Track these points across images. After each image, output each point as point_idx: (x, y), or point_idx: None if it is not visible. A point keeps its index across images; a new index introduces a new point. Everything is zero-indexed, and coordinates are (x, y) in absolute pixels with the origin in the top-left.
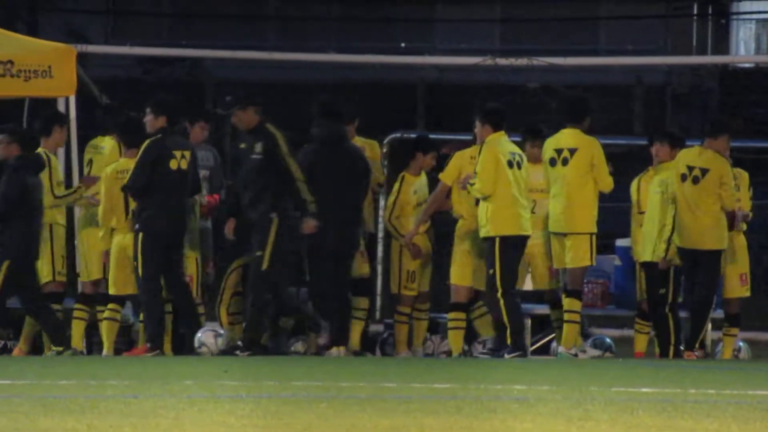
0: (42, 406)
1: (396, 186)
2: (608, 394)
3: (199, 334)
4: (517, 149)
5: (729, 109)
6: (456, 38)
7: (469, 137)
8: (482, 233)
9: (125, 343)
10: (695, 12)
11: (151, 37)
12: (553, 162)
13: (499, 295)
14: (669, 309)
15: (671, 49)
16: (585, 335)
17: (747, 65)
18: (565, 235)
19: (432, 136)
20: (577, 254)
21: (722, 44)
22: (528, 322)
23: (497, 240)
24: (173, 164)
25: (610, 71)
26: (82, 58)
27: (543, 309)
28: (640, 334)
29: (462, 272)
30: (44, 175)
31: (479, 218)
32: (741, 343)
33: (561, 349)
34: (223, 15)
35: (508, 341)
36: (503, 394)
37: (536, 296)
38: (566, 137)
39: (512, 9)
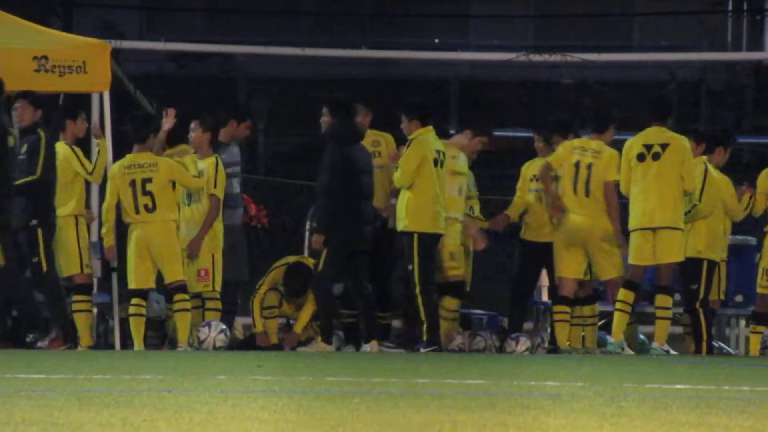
0: (77, 400)
1: None
2: (642, 390)
3: (205, 327)
4: (442, 147)
5: (764, 105)
6: (490, 34)
7: (503, 133)
8: (399, 227)
9: (159, 337)
10: (730, 8)
11: (185, 32)
12: (641, 157)
13: (417, 291)
14: (700, 305)
15: (706, 45)
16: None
17: None
18: (655, 230)
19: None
20: (670, 250)
21: (757, 40)
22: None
23: (415, 236)
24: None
25: (644, 67)
26: (117, 54)
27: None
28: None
29: (569, 265)
30: (75, 166)
31: (398, 210)
32: None
33: (654, 344)
34: (256, 11)
35: (425, 337)
36: (536, 390)
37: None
38: (654, 134)
39: (546, 5)
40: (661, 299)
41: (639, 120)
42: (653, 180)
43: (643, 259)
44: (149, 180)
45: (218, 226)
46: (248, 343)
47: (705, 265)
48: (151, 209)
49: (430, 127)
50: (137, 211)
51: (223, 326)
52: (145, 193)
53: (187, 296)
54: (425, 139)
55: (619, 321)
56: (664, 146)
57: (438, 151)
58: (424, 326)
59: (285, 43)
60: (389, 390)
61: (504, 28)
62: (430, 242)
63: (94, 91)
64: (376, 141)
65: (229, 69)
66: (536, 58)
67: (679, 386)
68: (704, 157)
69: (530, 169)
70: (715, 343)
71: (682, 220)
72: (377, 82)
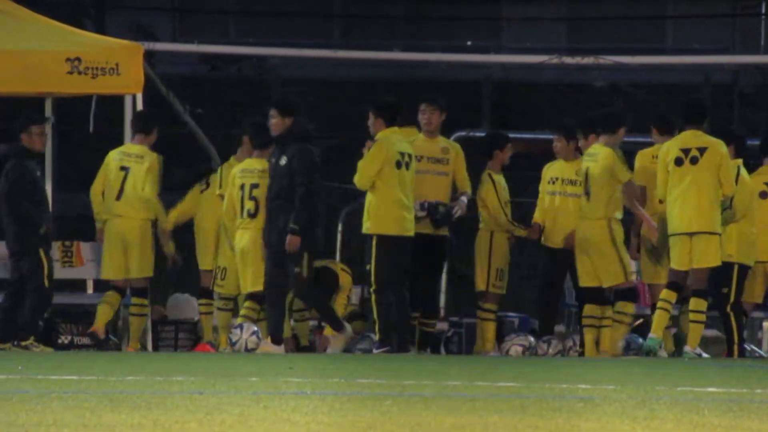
0: (108, 401)
1: (490, 185)
2: (674, 393)
3: (237, 329)
4: (408, 149)
5: None
6: (522, 36)
7: (535, 136)
8: (363, 228)
9: (191, 339)
10: (763, 11)
11: (218, 35)
12: (679, 162)
13: (372, 290)
14: (731, 308)
15: (738, 47)
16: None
17: None
18: (692, 235)
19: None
20: (707, 254)
21: None
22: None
23: (375, 238)
24: None
25: (677, 70)
26: (149, 56)
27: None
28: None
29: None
30: (147, 172)
31: (365, 212)
32: None
33: (687, 348)
34: (289, 13)
35: (377, 337)
36: (568, 393)
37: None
38: (691, 138)
39: (579, 7)
40: (696, 303)
41: (670, 123)
42: (691, 184)
43: (683, 265)
44: (256, 186)
45: None
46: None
47: (736, 268)
48: (252, 215)
49: (395, 128)
50: (241, 215)
51: (255, 328)
52: (251, 198)
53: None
54: (388, 140)
55: (660, 318)
56: (702, 150)
57: (402, 153)
58: (377, 326)
59: (318, 45)
60: (421, 392)
61: (536, 30)
62: (392, 244)
63: (127, 93)
64: (445, 149)
65: (262, 71)
66: (569, 60)
67: (711, 389)
68: (739, 160)
69: (550, 171)
70: (747, 346)
71: (720, 225)
72: (409, 84)
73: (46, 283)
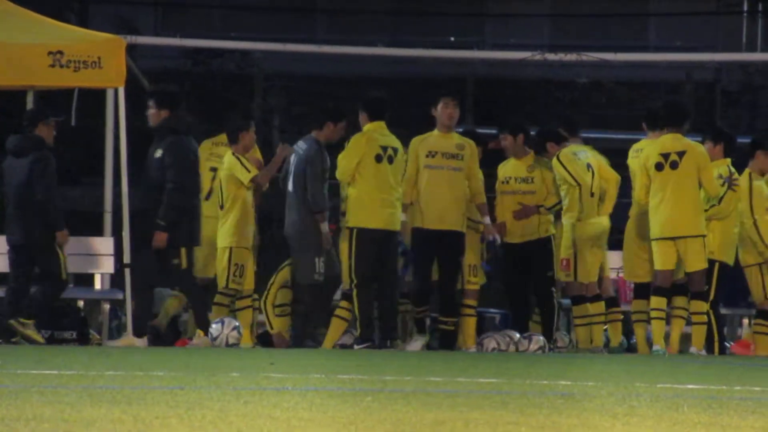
0: (88, 396)
1: None
2: (654, 390)
3: (218, 324)
4: (394, 143)
5: None
6: (506, 33)
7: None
8: (343, 222)
9: (172, 334)
10: (745, 9)
11: (201, 29)
12: (660, 167)
13: (352, 286)
14: (711, 306)
15: (721, 45)
16: (632, 332)
17: None
18: (676, 239)
19: (480, 130)
20: (697, 258)
21: None
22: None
23: (354, 231)
24: None
25: (660, 67)
26: (132, 50)
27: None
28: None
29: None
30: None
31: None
32: None
33: (692, 349)
34: (272, 7)
35: (359, 333)
36: (549, 389)
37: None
38: (670, 141)
39: (562, 4)
40: (696, 305)
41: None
42: (673, 189)
43: (667, 264)
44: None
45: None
46: (261, 340)
47: (717, 267)
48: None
49: (381, 123)
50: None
51: (237, 323)
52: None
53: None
54: (367, 134)
55: (657, 328)
56: (681, 154)
57: (385, 147)
58: (358, 322)
59: (301, 40)
60: (402, 388)
61: (520, 27)
62: (370, 238)
63: (109, 86)
64: (460, 145)
65: (245, 65)
66: (552, 57)
67: (690, 386)
68: (728, 160)
69: (502, 170)
70: (727, 344)
71: (704, 226)
72: (393, 80)
73: (64, 275)
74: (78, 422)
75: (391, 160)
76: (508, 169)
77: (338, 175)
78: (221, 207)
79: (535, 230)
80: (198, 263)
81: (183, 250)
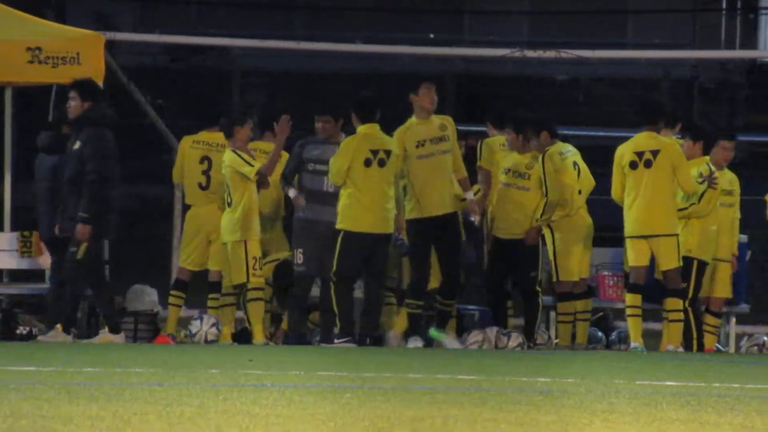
0: (66, 393)
1: None
2: (632, 387)
3: (197, 321)
4: (386, 145)
5: (756, 103)
6: (485, 30)
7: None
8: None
9: (150, 331)
10: (724, 6)
11: (179, 25)
12: (634, 165)
13: (332, 282)
14: (689, 304)
15: (699, 43)
16: (611, 329)
17: None
18: (649, 237)
19: (460, 127)
20: (671, 256)
21: (750, 39)
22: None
23: (342, 233)
24: None
25: (638, 64)
26: (111, 46)
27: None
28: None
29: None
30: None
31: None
32: (765, 338)
33: (669, 347)
34: (251, 4)
35: (338, 328)
36: (528, 386)
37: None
38: (645, 140)
39: (541, 1)
40: (672, 303)
41: (629, 116)
42: (646, 188)
43: (640, 260)
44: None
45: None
46: (240, 336)
47: (695, 264)
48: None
49: (373, 124)
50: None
51: (215, 320)
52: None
53: None
54: (356, 138)
55: (635, 325)
56: (655, 153)
57: (376, 150)
58: (337, 318)
59: (280, 36)
60: (381, 385)
61: (499, 23)
62: (355, 241)
63: None
64: (442, 125)
65: (224, 62)
66: (531, 54)
67: (669, 383)
68: (706, 158)
69: (505, 161)
70: (704, 342)
71: (677, 224)
72: (372, 76)
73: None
74: (56, 419)
75: (382, 163)
76: (508, 161)
77: (330, 177)
78: (229, 204)
79: (525, 229)
80: (195, 255)
81: (84, 243)
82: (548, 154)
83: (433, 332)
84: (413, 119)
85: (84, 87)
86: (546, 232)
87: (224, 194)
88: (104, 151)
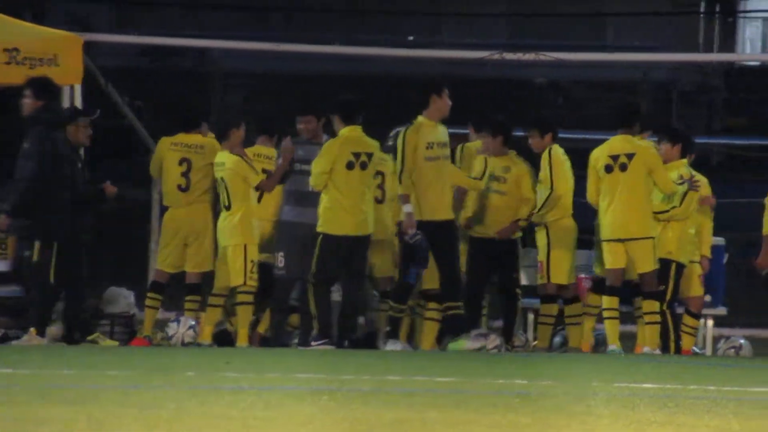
0: (42, 396)
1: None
2: (610, 389)
3: (174, 323)
4: (368, 147)
5: (734, 106)
6: (463, 32)
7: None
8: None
9: (127, 333)
10: (702, 9)
11: (158, 27)
12: (609, 168)
13: (309, 284)
14: (667, 306)
15: (678, 46)
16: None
17: (753, 63)
18: (624, 241)
19: None
20: (646, 259)
21: (729, 42)
22: (530, 316)
23: (321, 236)
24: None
25: (617, 67)
26: (89, 47)
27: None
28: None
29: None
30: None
31: None
32: (742, 340)
33: (646, 349)
34: (230, 5)
35: (316, 330)
36: (505, 388)
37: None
38: (620, 143)
39: (520, 4)
40: (649, 305)
41: (608, 119)
42: (622, 192)
43: (617, 263)
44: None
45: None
46: (219, 338)
47: (674, 266)
48: (380, 199)
49: (355, 126)
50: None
51: (193, 322)
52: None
53: None
54: (338, 140)
55: (612, 327)
56: (630, 156)
57: (358, 153)
58: (315, 320)
59: (259, 38)
60: (359, 387)
61: (478, 26)
62: (335, 244)
63: (65, 84)
64: (445, 131)
65: (202, 63)
66: (510, 56)
67: (646, 385)
68: (684, 160)
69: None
70: (681, 343)
71: (653, 227)
72: (351, 78)
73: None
74: (31, 422)
75: (364, 166)
76: (488, 164)
77: (311, 182)
78: (227, 207)
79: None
80: (172, 257)
81: (37, 244)
82: (554, 149)
83: (452, 345)
84: (423, 120)
85: (38, 85)
86: (539, 233)
87: (222, 197)
88: (49, 150)
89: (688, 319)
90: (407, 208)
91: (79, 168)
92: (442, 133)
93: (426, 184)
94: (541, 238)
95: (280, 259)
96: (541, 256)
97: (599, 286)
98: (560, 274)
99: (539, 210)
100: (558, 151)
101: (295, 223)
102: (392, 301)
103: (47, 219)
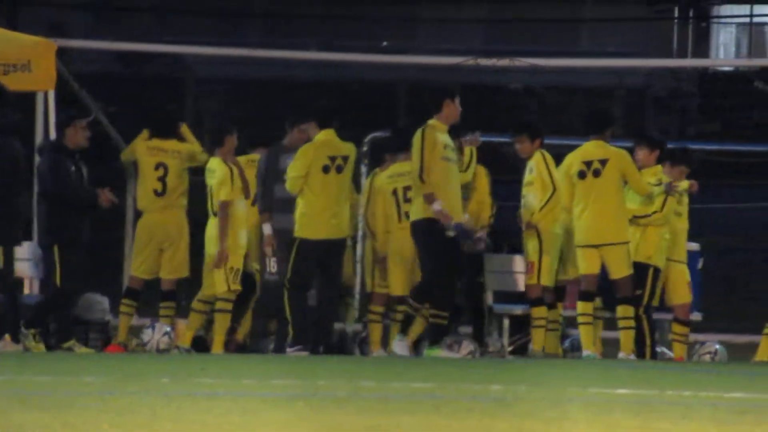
0: (17, 402)
1: (369, 183)
2: (585, 394)
3: (149, 329)
4: (344, 151)
5: (708, 112)
6: (438, 38)
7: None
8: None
9: (102, 339)
10: (676, 15)
11: (132, 32)
12: (582, 174)
13: (285, 289)
14: (644, 311)
15: (652, 51)
16: (564, 336)
17: (727, 69)
18: (599, 246)
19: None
20: (622, 264)
21: (702, 48)
22: (506, 322)
23: (297, 241)
24: None
25: (591, 73)
26: (62, 53)
27: (521, 309)
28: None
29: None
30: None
31: None
32: (718, 346)
33: (621, 354)
34: (205, 11)
35: (291, 336)
36: (481, 393)
37: (516, 296)
38: (593, 149)
39: (495, 9)
40: (624, 310)
41: (582, 124)
42: (596, 197)
43: (591, 268)
44: (409, 188)
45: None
46: (195, 344)
47: (651, 271)
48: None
49: (330, 130)
50: (400, 219)
51: (168, 328)
52: (407, 200)
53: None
54: (314, 145)
55: (586, 333)
56: (603, 162)
57: (333, 157)
58: (290, 325)
59: (234, 43)
60: (334, 393)
61: (453, 32)
62: (310, 248)
63: (38, 90)
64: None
65: (177, 69)
66: (485, 62)
67: (622, 391)
68: (659, 167)
69: None
70: (657, 349)
71: (627, 232)
72: (326, 84)
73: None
74: (7, 428)
75: (340, 169)
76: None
77: (287, 186)
78: (215, 214)
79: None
80: (147, 263)
81: (1, 249)
82: (545, 152)
83: (427, 351)
84: (436, 122)
85: None
86: (529, 235)
87: (209, 203)
88: (6, 159)
89: (677, 327)
90: (437, 205)
91: (79, 170)
92: (449, 137)
93: (439, 185)
94: (532, 239)
95: (272, 264)
96: (533, 257)
97: (561, 294)
98: (548, 276)
99: (540, 210)
100: (547, 155)
101: (283, 231)
102: (417, 301)
103: (3, 224)
